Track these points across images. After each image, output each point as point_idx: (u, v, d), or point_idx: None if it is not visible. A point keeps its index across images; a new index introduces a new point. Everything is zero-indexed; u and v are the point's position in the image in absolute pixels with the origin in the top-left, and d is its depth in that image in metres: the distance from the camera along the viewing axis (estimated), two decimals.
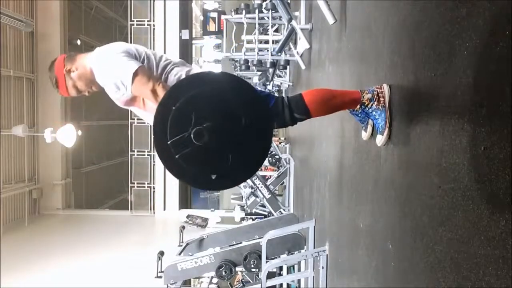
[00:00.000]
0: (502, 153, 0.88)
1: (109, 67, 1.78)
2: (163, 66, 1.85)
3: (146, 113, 1.88)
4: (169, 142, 1.27)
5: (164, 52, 11.20)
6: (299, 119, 1.72)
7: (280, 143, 10.64)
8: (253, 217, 8.71)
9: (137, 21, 11.46)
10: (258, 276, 5.17)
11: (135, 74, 1.72)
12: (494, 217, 0.89)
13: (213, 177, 1.31)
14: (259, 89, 1.72)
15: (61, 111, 11.45)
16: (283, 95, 8.23)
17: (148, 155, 11.50)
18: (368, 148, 1.96)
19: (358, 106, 1.72)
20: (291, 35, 4.82)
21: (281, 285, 6.42)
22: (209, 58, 13.71)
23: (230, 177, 1.35)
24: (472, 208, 0.98)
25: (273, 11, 5.42)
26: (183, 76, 1.80)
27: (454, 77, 1.10)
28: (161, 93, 1.69)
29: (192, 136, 1.26)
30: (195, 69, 1.91)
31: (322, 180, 3.56)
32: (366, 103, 1.70)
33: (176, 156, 1.27)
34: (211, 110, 1.29)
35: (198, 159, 1.29)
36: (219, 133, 1.27)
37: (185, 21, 12.13)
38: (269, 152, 9.40)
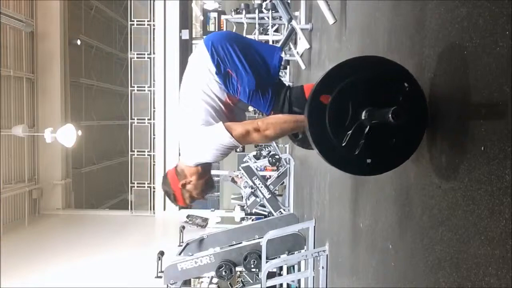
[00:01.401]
0: (502, 153, 0.88)
1: (206, 146, 1.76)
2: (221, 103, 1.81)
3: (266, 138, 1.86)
4: (343, 144, 1.22)
5: (164, 52, 11.21)
6: (298, 113, 1.74)
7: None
8: (253, 217, 8.71)
9: (137, 21, 11.46)
10: (258, 276, 5.17)
11: (229, 129, 1.71)
12: (494, 217, 0.89)
13: (368, 161, 1.28)
14: None
15: (61, 111, 11.46)
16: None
17: (148, 155, 11.51)
18: None
19: None
20: (291, 35, 4.82)
21: (281, 285, 6.42)
22: None
23: (390, 160, 1.30)
24: (472, 208, 0.98)
25: (273, 11, 5.43)
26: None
27: (454, 77, 1.10)
28: (261, 123, 1.69)
29: (363, 121, 1.21)
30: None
31: (322, 180, 3.56)
32: None
33: (356, 152, 1.22)
34: (370, 95, 1.23)
35: (363, 146, 1.23)
36: (379, 117, 1.21)
37: (185, 21, 12.13)
38: (266, 151, 9.31)
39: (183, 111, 1.85)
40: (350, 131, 1.22)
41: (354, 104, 1.23)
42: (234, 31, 7.18)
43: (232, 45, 1.76)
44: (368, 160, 1.27)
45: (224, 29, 9.05)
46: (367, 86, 1.25)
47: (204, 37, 1.89)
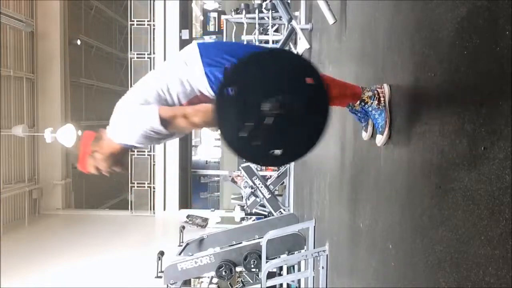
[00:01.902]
0: (502, 153, 0.88)
1: (133, 126, 1.70)
2: (178, 87, 1.75)
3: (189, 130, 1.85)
4: (240, 134, 1.25)
5: (164, 52, 11.21)
6: None
7: None
8: (253, 217, 8.71)
9: (137, 21, 11.46)
10: (258, 276, 5.17)
11: (160, 117, 1.65)
12: (494, 217, 0.89)
13: (275, 152, 1.31)
14: None
15: (61, 111, 11.45)
16: None
17: (148, 155, 11.50)
18: (368, 148, 1.96)
19: (358, 103, 1.72)
20: (291, 35, 4.83)
21: (281, 285, 6.41)
22: None
23: (290, 152, 1.35)
24: (472, 208, 0.98)
25: (273, 11, 5.43)
26: (185, 89, 1.73)
27: (454, 77, 1.10)
28: (191, 111, 1.64)
29: (261, 112, 1.24)
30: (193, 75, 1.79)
31: (322, 180, 3.56)
32: (366, 101, 1.69)
33: (253, 143, 1.26)
34: (274, 87, 1.27)
35: (264, 137, 1.28)
36: (282, 109, 1.26)
37: (185, 21, 12.13)
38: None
39: (141, 83, 1.81)
40: (251, 123, 1.26)
41: (258, 95, 1.27)
42: (234, 31, 7.18)
43: (226, 52, 1.71)
44: (275, 151, 1.32)
45: (224, 30, 9.04)
46: (272, 79, 1.28)
47: (197, 42, 1.84)
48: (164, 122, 1.65)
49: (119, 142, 1.75)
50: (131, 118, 1.70)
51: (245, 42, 6.14)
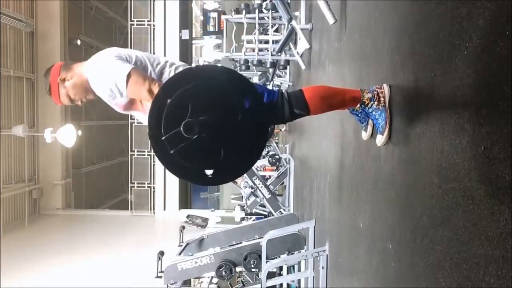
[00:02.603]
0: (502, 153, 0.88)
1: (102, 73, 1.76)
2: (160, 68, 1.83)
3: (145, 115, 1.87)
4: (163, 138, 1.25)
5: (164, 52, 11.20)
6: (298, 114, 1.72)
7: (280, 130, 10.64)
8: (253, 217, 8.71)
9: (137, 21, 11.46)
10: (258, 276, 5.17)
11: (129, 76, 1.71)
12: (494, 217, 0.89)
13: (208, 172, 1.30)
14: (259, 84, 1.71)
15: (61, 111, 11.46)
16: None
17: (148, 155, 11.50)
18: (368, 148, 1.96)
19: (358, 106, 1.72)
20: (291, 35, 4.82)
21: (281, 285, 6.42)
22: (209, 58, 13.72)
23: (224, 171, 1.34)
24: (472, 208, 0.98)
25: (273, 11, 5.42)
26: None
27: (454, 77, 1.10)
28: (156, 86, 1.69)
29: (181, 129, 1.24)
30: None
31: (322, 180, 3.56)
32: (366, 103, 1.70)
33: (171, 152, 1.26)
34: (206, 103, 1.27)
35: (193, 154, 1.27)
36: (213, 126, 1.26)
37: (185, 21, 12.13)
38: (265, 151, 9.37)
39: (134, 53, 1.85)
40: (172, 133, 1.25)
41: (191, 111, 1.26)
42: (234, 31, 7.18)
43: None
44: (207, 171, 1.30)
45: (224, 30, 9.03)
46: (202, 96, 1.28)
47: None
48: (129, 83, 1.71)
49: (89, 81, 1.82)
50: (106, 65, 1.76)
51: (244, 49, 6.15)
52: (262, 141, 1.35)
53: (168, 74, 1.83)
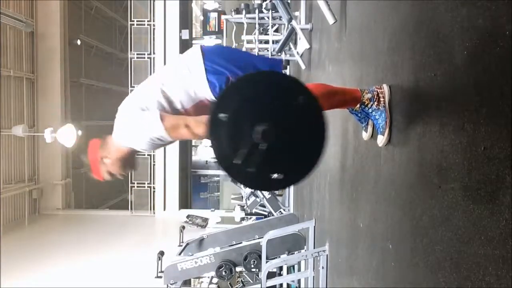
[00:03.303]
0: (502, 153, 0.88)
1: (136, 132, 1.72)
2: (182, 95, 1.76)
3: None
4: (234, 161, 1.23)
5: (164, 52, 11.20)
6: None
7: None
8: (253, 217, 8.71)
9: (137, 21, 11.46)
10: (258, 276, 5.17)
11: (162, 120, 1.66)
12: (494, 217, 0.89)
13: (274, 176, 1.29)
14: None
15: (61, 111, 11.45)
16: None
17: (148, 155, 11.50)
18: (368, 148, 1.96)
19: (358, 106, 1.72)
20: (291, 35, 4.83)
21: (281, 285, 6.41)
22: None
23: (290, 175, 1.32)
24: (472, 208, 0.98)
25: (273, 11, 5.42)
26: (181, 98, 1.73)
27: (454, 77, 1.10)
28: (193, 124, 1.65)
29: (255, 138, 1.22)
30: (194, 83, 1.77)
31: (322, 180, 3.56)
32: (366, 103, 1.70)
33: (249, 170, 1.23)
34: (266, 111, 1.25)
35: (260, 162, 1.24)
36: (277, 132, 1.24)
37: (185, 21, 12.12)
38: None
39: (142, 87, 1.80)
40: (245, 150, 1.23)
41: (250, 121, 1.24)
42: (234, 31, 7.18)
43: (230, 59, 1.72)
44: (274, 175, 1.29)
45: (224, 30, 9.03)
46: (261, 104, 1.26)
47: (200, 45, 1.84)
48: (168, 130, 1.67)
49: (125, 146, 1.78)
50: (135, 125, 1.71)
51: (244, 49, 6.14)
52: (324, 135, 1.32)
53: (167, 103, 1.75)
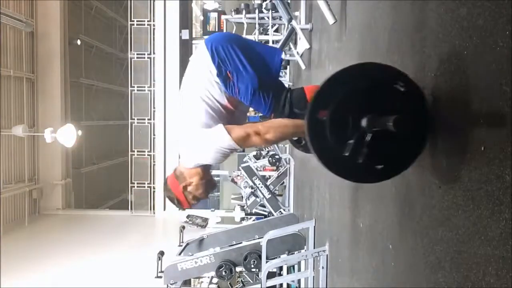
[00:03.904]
0: (502, 153, 0.88)
1: (205, 147, 1.76)
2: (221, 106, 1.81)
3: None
4: (344, 153, 1.22)
5: (164, 52, 11.20)
6: (298, 114, 1.74)
7: None
8: (253, 217, 8.71)
9: (137, 21, 11.46)
10: (258, 276, 5.17)
11: (229, 133, 1.71)
12: (494, 217, 0.89)
13: (379, 167, 1.28)
14: None
15: (61, 111, 11.46)
16: None
17: (148, 155, 11.50)
18: None
19: None
20: (291, 35, 4.82)
21: (281, 285, 6.42)
22: None
23: (394, 164, 1.30)
24: (472, 208, 0.98)
25: (273, 11, 5.43)
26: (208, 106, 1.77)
27: (454, 77, 1.10)
28: (264, 131, 1.69)
29: (363, 131, 1.22)
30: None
31: (322, 180, 3.56)
32: None
33: (358, 161, 1.23)
34: (366, 104, 1.24)
35: (367, 155, 1.24)
36: (379, 123, 1.22)
37: (185, 21, 12.13)
38: (265, 151, 9.35)
39: (184, 113, 1.84)
40: (352, 141, 1.23)
41: (353, 114, 1.24)
42: (234, 31, 7.18)
43: (233, 46, 1.75)
44: (378, 166, 1.28)
45: (224, 30, 9.04)
46: (363, 95, 1.25)
47: (205, 37, 1.89)
48: (238, 141, 1.72)
49: (196, 166, 1.83)
50: (204, 141, 1.76)
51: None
52: (426, 122, 1.30)
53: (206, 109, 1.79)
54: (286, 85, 2.03)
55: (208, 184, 1.92)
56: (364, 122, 1.23)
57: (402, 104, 1.23)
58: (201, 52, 1.80)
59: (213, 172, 15.46)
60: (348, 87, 1.26)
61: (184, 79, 1.88)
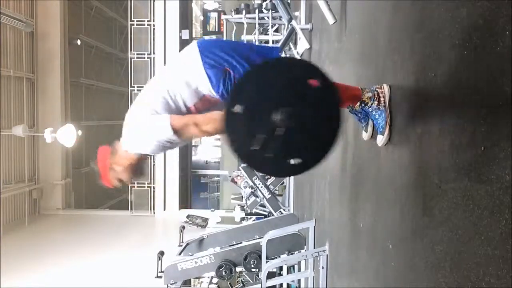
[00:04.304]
0: (502, 153, 0.88)
1: (147, 138, 1.72)
2: (186, 93, 1.76)
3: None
4: (252, 147, 1.24)
5: (164, 52, 11.20)
6: None
7: None
8: (253, 217, 8.71)
9: (137, 21, 11.45)
10: (258, 276, 5.16)
11: (172, 126, 1.66)
12: (494, 217, 0.89)
13: (292, 161, 1.29)
14: None
15: (61, 111, 11.45)
16: None
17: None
18: (368, 148, 1.96)
19: (358, 104, 1.72)
20: (291, 35, 4.82)
21: (281, 285, 6.41)
22: None
23: (307, 159, 1.33)
24: (472, 208, 0.98)
25: (273, 11, 5.42)
26: (188, 97, 1.74)
27: (454, 77, 1.10)
28: (202, 121, 1.65)
29: (271, 124, 1.23)
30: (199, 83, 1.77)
31: (322, 180, 3.56)
32: (366, 102, 1.70)
33: (267, 155, 1.25)
34: (281, 96, 1.26)
35: (279, 148, 1.26)
36: (293, 117, 1.25)
37: (185, 21, 12.12)
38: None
39: (143, 95, 1.80)
40: (262, 135, 1.25)
41: (267, 108, 1.26)
42: (234, 31, 7.18)
43: (226, 50, 1.73)
44: (292, 161, 1.30)
45: (224, 30, 9.04)
46: (278, 90, 1.27)
47: (196, 41, 1.85)
48: (177, 131, 1.67)
49: (135, 152, 1.78)
50: (144, 130, 1.72)
51: (245, 41, 6.13)
52: (339, 117, 1.32)
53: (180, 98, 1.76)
54: None
55: (136, 172, 1.86)
56: (276, 117, 1.25)
57: (316, 99, 1.26)
58: (190, 53, 1.76)
59: (213, 172, 15.47)
60: (264, 82, 1.28)
61: (166, 68, 1.85)
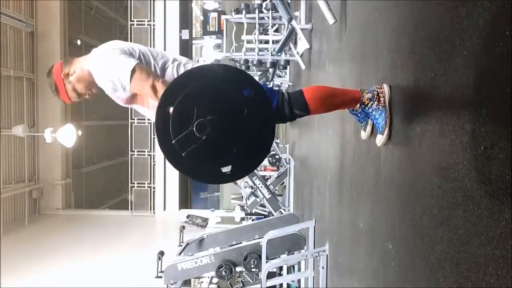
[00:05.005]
0: (502, 153, 0.88)
1: (106, 66, 1.76)
2: (162, 63, 1.84)
3: (148, 110, 1.88)
4: (173, 142, 1.26)
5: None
6: (298, 115, 1.72)
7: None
8: (253, 217, 8.71)
9: (137, 21, 11.45)
10: (258, 276, 5.16)
11: (133, 71, 1.71)
12: (494, 217, 0.89)
13: (223, 170, 1.31)
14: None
15: (61, 111, 11.45)
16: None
17: (148, 155, 11.50)
18: (368, 148, 1.96)
19: (358, 106, 1.72)
20: (291, 35, 4.82)
21: (281, 285, 6.41)
22: (209, 58, 13.71)
23: (237, 168, 1.34)
24: (472, 208, 0.98)
25: (273, 11, 5.42)
26: (182, 72, 1.79)
27: (454, 77, 1.10)
28: (161, 89, 1.68)
29: (194, 129, 1.25)
30: (195, 64, 1.90)
31: (322, 180, 3.56)
32: (366, 103, 1.70)
33: (183, 154, 1.27)
34: (211, 103, 1.28)
35: (205, 154, 1.28)
36: (222, 124, 1.27)
37: (185, 21, 12.13)
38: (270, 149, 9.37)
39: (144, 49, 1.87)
40: (182, 135, 1.27)
41: (196, 113, 1.27)
42: (234, 31, 7.17)
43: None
44: (225, 169, 1.31)
45: (224, 29, 9.02)
46: (204, 96, 1.29)
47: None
48: (132, 80, 1.71)
49: (91, 73, 1.83)
50: (108, 60, 1.76)
51: (244, 49, 6.15)
52: (272, 128, 1.35)
53: (171, 70, 1.83)
54: (286, 85, 2.03)
55: (91, 85, 1.87)
56: (203, 122, 1.26)
57: (248, 108, 1.28)
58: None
59: None
60: (196, 86, 1.29)
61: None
